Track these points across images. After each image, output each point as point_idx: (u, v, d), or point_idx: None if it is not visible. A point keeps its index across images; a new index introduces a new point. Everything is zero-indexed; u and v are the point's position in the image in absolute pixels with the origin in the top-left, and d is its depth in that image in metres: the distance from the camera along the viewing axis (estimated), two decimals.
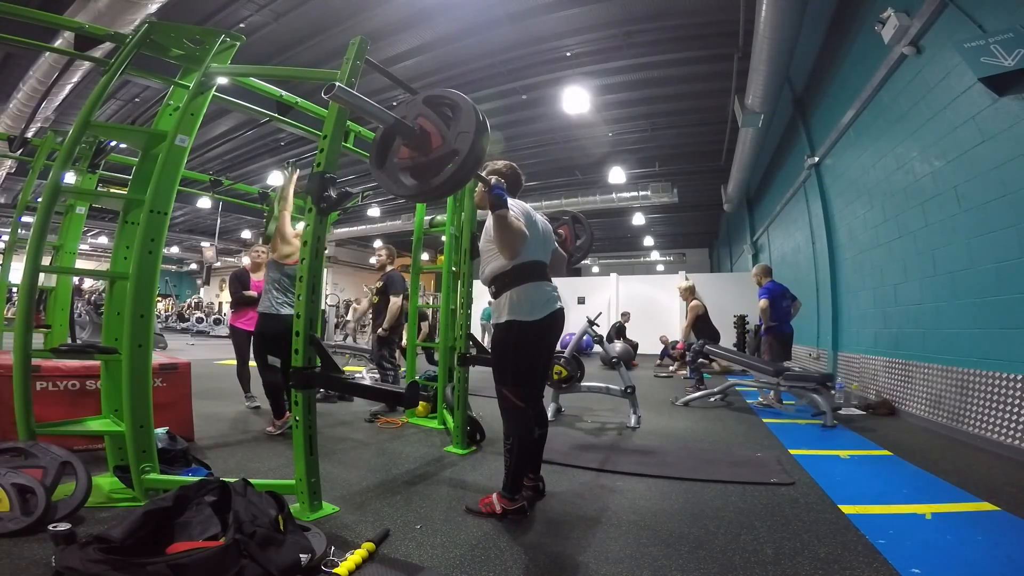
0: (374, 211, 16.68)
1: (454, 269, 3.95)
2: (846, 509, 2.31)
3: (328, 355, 2.12)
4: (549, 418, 4.12)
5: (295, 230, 3.59)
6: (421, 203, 4.31)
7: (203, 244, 20.02)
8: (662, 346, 10.38)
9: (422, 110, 1.84)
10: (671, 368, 8.72)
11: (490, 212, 2.07)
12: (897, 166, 4.75)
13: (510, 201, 2.12)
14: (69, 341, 4.22)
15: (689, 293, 6.80)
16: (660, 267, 22.62)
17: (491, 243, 2.19)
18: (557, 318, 2.26)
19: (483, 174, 2.26)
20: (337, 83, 1.65)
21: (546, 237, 2.37)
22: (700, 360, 6.43)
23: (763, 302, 5.25)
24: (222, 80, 2.61)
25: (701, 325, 6.55)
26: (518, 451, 2.15)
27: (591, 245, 3.28)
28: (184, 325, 18.81)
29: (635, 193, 12.45)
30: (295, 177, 3.63)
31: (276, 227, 3.58)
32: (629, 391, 4.22)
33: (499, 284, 2.23)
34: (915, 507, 2.36)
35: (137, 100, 8.83)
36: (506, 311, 2.19)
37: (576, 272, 25.33)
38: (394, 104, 1.91)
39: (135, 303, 2.19)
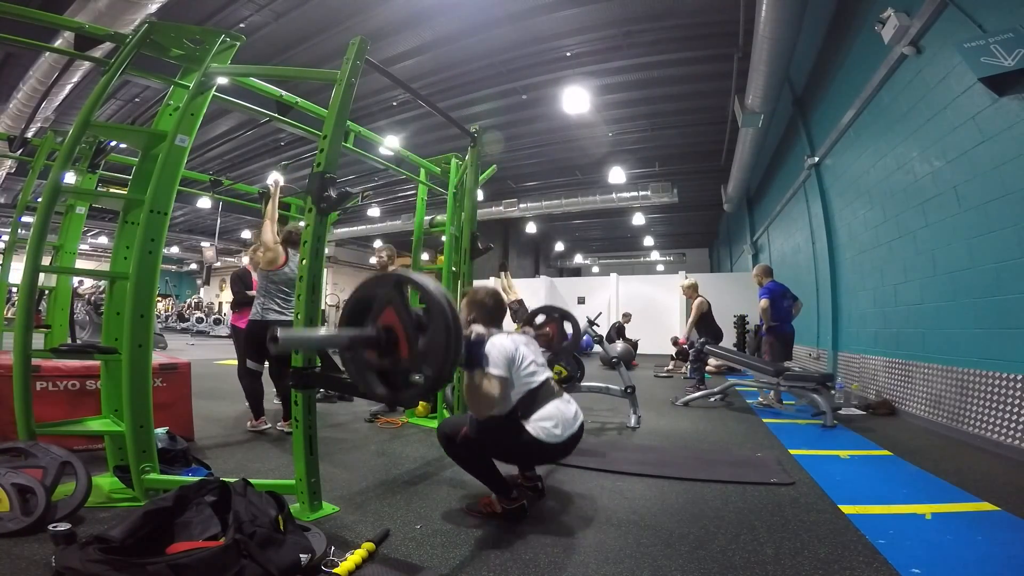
0: (374, 211, 16.68)
1: (454, 269, 3.95)
2: (846, 509, 2.31)
3: (328, 355, 2.12)
4: None
5: (278, 237, 3.64)
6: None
7: (203, 244, 20.03)
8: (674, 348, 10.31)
9: (392, 297, 1.60)
10: (669, 367, 8.71)
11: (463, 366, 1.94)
12: (897, 166, 4.75)
13: (491, 342, 2.00)
14: (69, 341, 4.22)
15: (692, 290, 6.79)
16: (660, 267, 22.64)
17: None
18: (576, 437, 2.14)
19: (463, 304, 2.23)
20: (279, 332, 1.42)
21: (534, 364, 2.15)
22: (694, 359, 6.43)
23: (764, 302, 5.25)
24: (222, 80, 2.61)
25: (705, 322, 6.54)
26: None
27: (578, 343, 3.38)
28: (184, 325, 18.82)
29: (635, 193, 12.46)
30: (276, 192, 3.67)
31: (261, 237, 3.62)
32: (629, 391, 4.22)
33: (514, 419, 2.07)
34: (915, 507, 2.36)
35: (137, 100, 8.83)
36: (533, 432, 2.04)
37: (576, 272, 25.41)
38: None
39: (135, 303, 2.18)
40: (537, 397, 2.08)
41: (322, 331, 1.67)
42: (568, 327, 3.62)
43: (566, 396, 2.21)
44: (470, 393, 1.96)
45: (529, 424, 2.03)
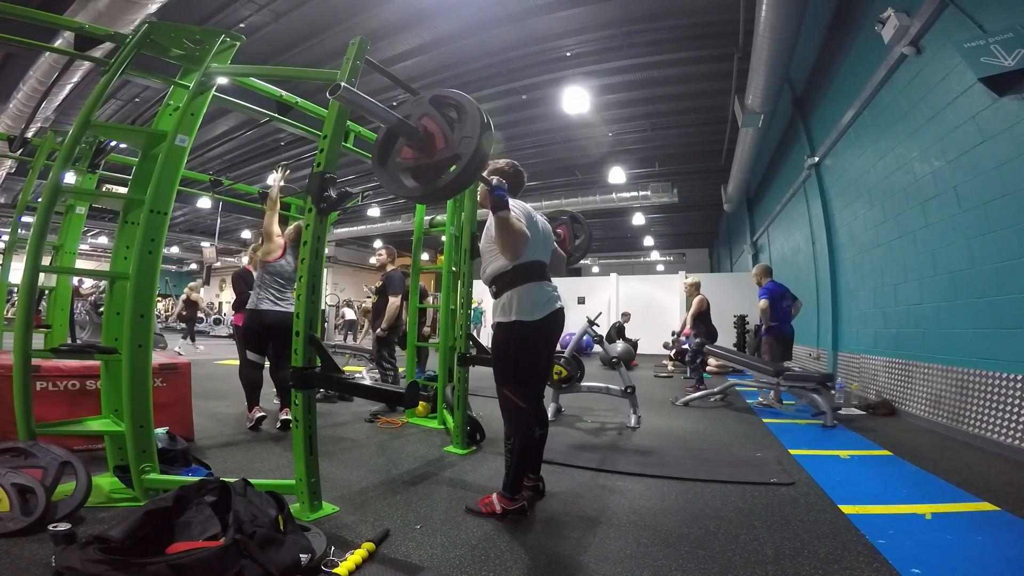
0: (374, 211, 16.68)
1: (454, 269, 3.96)
2: (846, 509, 2.31)
3: (328, 355, 2.12)
4: (549, 418, 4.13)
5: (279, 229, 3.76)
6: (422, 204, 4.32)
7: (203, 244, 20.02)
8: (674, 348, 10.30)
9: (427, 110, 1.83)
10: (668, 367, 8.72)
11: (491, 213, 2.07)
12: (897, 166, 4.75)
13: (511, 201, 2.11)
14: (69, 341, 4.22)
15: (695, 288, 6.79)
16: (660, 267, 22.62)
17: (492, 243, 2.19)
18: (558, 318, 2.26)
19: (485, 174, 2.25)
20: (342, 83, 1.65)
21: (546, 237, 2.37)
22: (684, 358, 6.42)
23: (763, 302, 5.25)
24: (222, 80, 2.61)
25: (702, 320, 6.54)
26: (519, 451, 2.15)
27: (589, 245, 3.28)
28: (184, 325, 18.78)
29: (635, 193, 12.46)
30: (282, 177, 3.78)
31: (263, 227, 3.72)
32: (629, 391, 4.22)
33: (500, 284, 2.23)
34: (915, 507, 2.36)
35: (137, 100, 8.83)
36: (507, 311, 2.19)
37: (576, 272, 25.36)
38: (395, 104, 1.91)
39: (135, 303, 2.18)
40: (534, 270, 2.23)
41: (378, 104, 1.80)
42: (579, 230, 3.54)
43: (553, 282, 2.37)
44: (500, 232, 2.04)
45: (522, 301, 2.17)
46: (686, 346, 7.23)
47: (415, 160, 1.84)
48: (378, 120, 1.83)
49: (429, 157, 1.81)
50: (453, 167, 1.75)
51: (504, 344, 2.21)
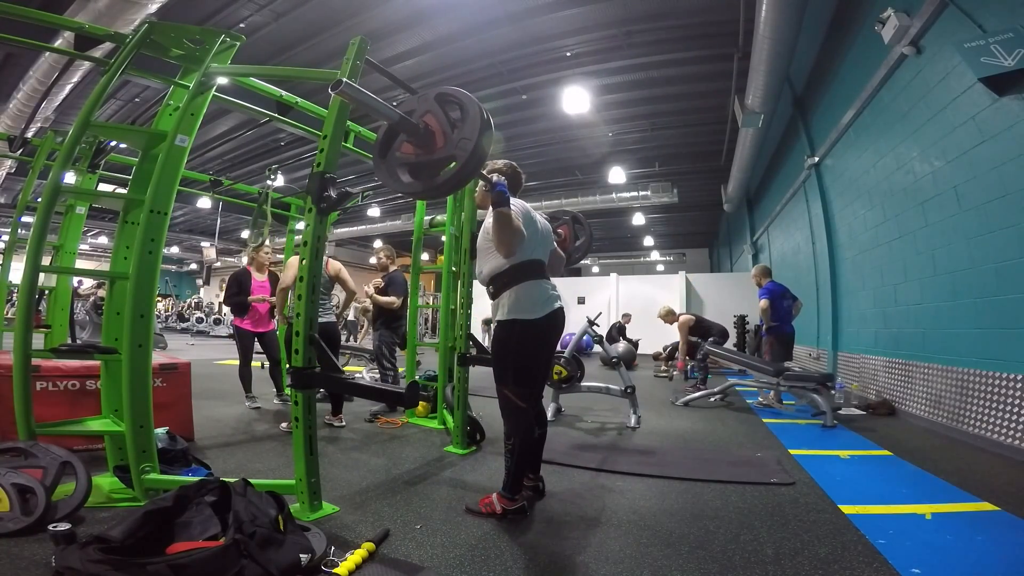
0: (374, 211, 16.68)
1: (454, 269, 3.95)
2: (846, 509, 2.31)
3: (328, 355, 2.12)
4: (549, 418, 4.12)
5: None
6: (419, 200, 4.32)
7: (203, 244, 20.03)
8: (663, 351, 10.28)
9: (431, 107, 1.84)
10: (663, 368, 8.71)
11: (491, 209, 2.07)
12: (897, 166, 4.75)
13: (511, 200, 2.11)
14: (69, 341, 4.22)
15: (671, 315, 6.88)
16: (660, 267, 22.62)
17: (489, 242, 2.18)
18: (558, 317, 2.25)
19: (484, 172, 2.26)
20: (344, 79, 1.66)
21: (545, 236, 2.36)
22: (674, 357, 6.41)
23: (763, 302, 5.25)
24: (222, 80, 2.61)
25: (698, 332, 6.55)
26: (519, 451, 2.15)
27: (590, 245, 3.27)
28: (184, 325, 18.81)
29: (635, 193, 12.46)
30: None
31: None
32: (629, 391, 4.22)
33: (498, 283, 2.22)
34: (915, 507, 2.36)
35: (137, 100, 8.83)
36: (506, 310, 2.18)
37: (576, 272, 25.36)
38: (395, 104, 1.90)
39: (135, 303, 2.18)
40: (532, 268, 2.22)
41: (380, 101, 1.81)
42: (580, 230, 3.53)
43: (552, 281, 2.36)
44: (497, 228, 2.03)
45: (519, 301, 2.16)
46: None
47: (415, 156, 1.86)
48: (380, 116, 1.83)
49: (428, 154, 1.83)
50: (451, 166, 1.77)
51: (503, 343, 2.20)
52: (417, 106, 1.88)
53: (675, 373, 8.46)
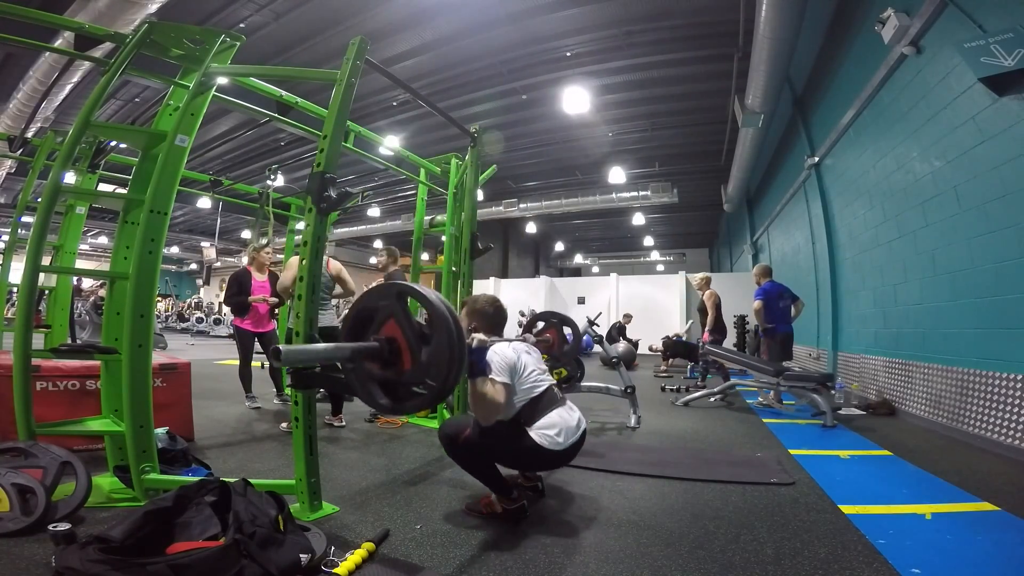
0: (374, 211, 16.68)
1: (454, 269, 3.95)
2: (846, 509, 2.31)
3: None
4: None
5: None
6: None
7: (203, 244, 20.02)
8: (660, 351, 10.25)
9: (393, 308, 1.63)
10: (663, 368, 8.71)
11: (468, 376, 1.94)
12: (897, 166, 4.75)
13: (496, 346, 2.04)
14: (69, 341, 4.22)
15: (705, 283, 6.65)
16: (660, 267, 22.64)
17: None
18: (578, 445, 2.14)
19: (463, 313, 2.22)
20: (281, 348, 1.44)
21: (536, 369, 2.18)
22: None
23: (757, 304, 5.25)
24: (222, 80, 2.61)
25: (718, 320, 6.46)
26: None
27: (578, 347, 3.34)
28: (184, 325, 18.81)
29: (635, 193, 12.46)
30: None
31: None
32: (629, 391, 4.22)
33: (516, 425, 2.08)
34: (915, 507, 2.36)
35: (137, 100, 8.83)
36: (534, 439, 2.04)
37: (576, 272, 25.40)
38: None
39: (135, 303, 2.18)
40: (540, 404, 2.10)
41: (323, 345, 1.65)
42: (568, 331, 3.62)
43: (569, 404, 2.23)
44: (475, 400, 1.96)
45: (532, 431, 2.04)
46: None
47: (382, 375, 1.63)
48: (331, 360, 1.69)
49: (397, 375, 1.61)
50: (423, 392, 1.57)
51: (509, 441, 2.05)
52: (379, 301, 1.67)
53: (665, 367, 8.48)
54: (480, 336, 2.02)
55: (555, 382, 2.26)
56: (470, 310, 2.26)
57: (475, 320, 2.23)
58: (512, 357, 2.08)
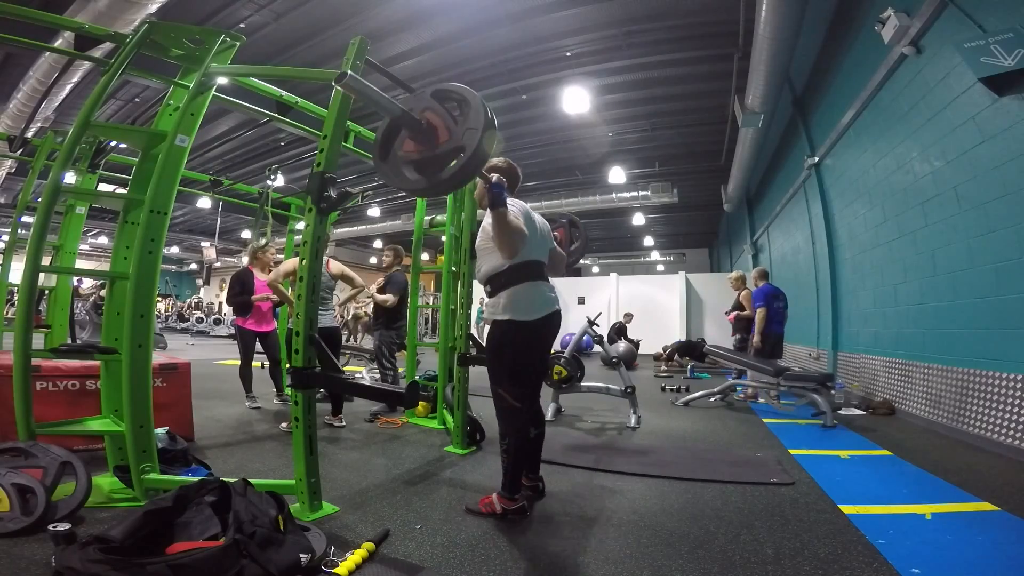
0: (374, 211, 16.67)
1: (454, 269, 3.95)
2: (846, 509, 2.32)
3: (328, 355, 2.12)
4: (549, 418, 4.13)
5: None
6: (423, 198, 4.31)
7: (203, 244, 20.00)
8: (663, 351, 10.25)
9: (430, 103, 1.83)
10: (663, 368, 8.70)
11: (488, 210, 2.06)
12: (897, 166, 4.75)
13: (509, 199, 2.10)
14: (69, 341, 4.22)
15: (740, 282, 6.37)
16: (660, 267, 22.61)
17: (489, 242, 2.17)
18: (554, 320, 2.25)
19: (483, 170, 2.25)
20: (348, 71, 1.67)
21: (544, 236, 2.36)
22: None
23: (761, 311, 5.29)
24: (222, 80, 2.61)
25: (746, 319, 6.26)
26: (515, 451, 2.15)
27: (585, 248, 3.29)
28: (184, 325, 18.81)
29: (635, 193, 12.44)
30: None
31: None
32: (629, 391, 4.22)
33: (496, 283, 2.22)
34: (915, 507, 2.36)
35: (137, 100, 8.82)
36: (502, 310, 2.18)
37: (576, 272, 25.35)
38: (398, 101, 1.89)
39: (135, 303, 2.18)
40: (531, 269, 2.21)
41: (382, 94, 1.81)
42: (576, 234, 3.52)
43: (551, 283, 2.35)
44: (499, 228, 2.00)
45: (516, 302, 2.16)
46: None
47: (418, 153, 1.84)
48: (381, 111, 1.82)
49: (432, 150, 1.81)
50: (456, 160, 1.75)
51: (499, 344, 2.20)
52: (415, 104, 1.87)
53: (666, 368, 8.47)
54: (498, 175, 2.09)
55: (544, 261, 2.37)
56: (489, 166, 2.31)
57: (494, 173, 2.26)
58: (525, 206, 2.25)
